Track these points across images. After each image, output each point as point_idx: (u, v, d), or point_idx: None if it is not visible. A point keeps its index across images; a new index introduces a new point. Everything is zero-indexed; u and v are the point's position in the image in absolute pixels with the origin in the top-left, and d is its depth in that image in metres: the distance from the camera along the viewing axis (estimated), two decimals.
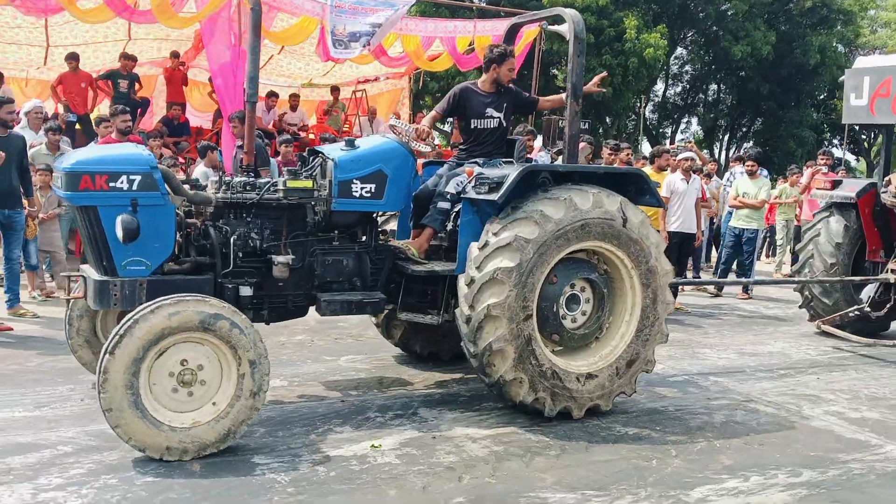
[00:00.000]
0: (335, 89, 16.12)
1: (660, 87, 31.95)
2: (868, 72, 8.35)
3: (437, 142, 6.76)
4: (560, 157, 6.60)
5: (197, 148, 10.60)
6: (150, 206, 4.65)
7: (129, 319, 4.27)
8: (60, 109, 12.39)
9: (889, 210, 8.33)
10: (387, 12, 12.15)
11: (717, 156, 32.15)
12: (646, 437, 5.14)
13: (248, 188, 5.10)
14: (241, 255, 5.06)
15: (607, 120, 28.93)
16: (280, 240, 5.21)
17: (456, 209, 5.62)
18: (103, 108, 12.82)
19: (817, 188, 9.06)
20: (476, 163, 5.83)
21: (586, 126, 15.13)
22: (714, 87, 33.10)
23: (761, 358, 7.52)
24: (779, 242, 13.53)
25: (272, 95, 14.05)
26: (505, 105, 5.99)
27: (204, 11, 10.65)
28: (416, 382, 6.17)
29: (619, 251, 5.39)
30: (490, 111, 5.95)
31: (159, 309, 4.28)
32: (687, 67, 31.55)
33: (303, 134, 14.02)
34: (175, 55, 13.56)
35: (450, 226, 5.75)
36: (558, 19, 5.93)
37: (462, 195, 5.46)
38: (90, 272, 4.86)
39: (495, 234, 5.09)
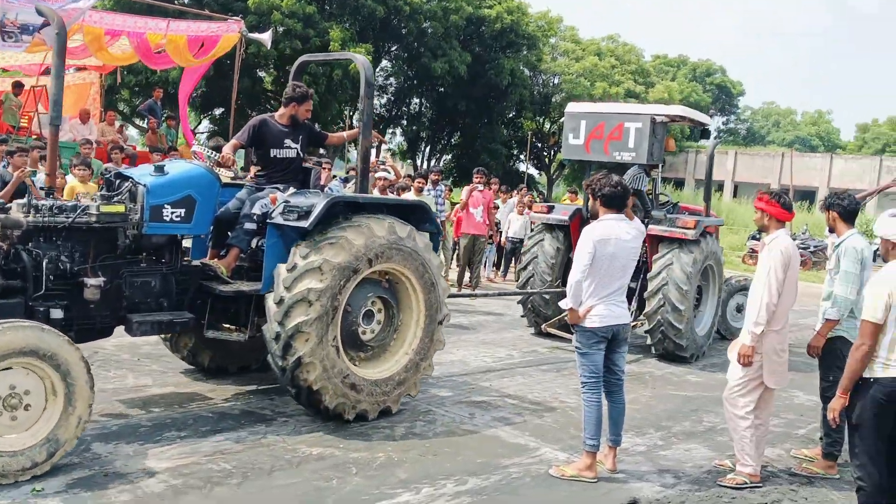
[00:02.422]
0: (18, 84, 14.59)
1: None
2: (584, 116, 9.63)
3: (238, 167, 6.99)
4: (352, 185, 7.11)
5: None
6: None
7: None
8: None
9: None
10: (67, 3, 11.21)
11: (419, 166, 33.78)
12: (329, 456, 5.30)
13: (57, 211, 5.10)
14: (52, 277, 5.07)
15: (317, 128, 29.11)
16: (89, 262, 5.28)
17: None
18: None
19: (535, 212, 10.29)
20: (277, 188, 6.18)
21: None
22: (416, 100, 34.72)
23: (444, 367, 8.06)
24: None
25: None
26: (301, 138, 6.47)
27: None
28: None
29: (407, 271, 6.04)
30: (288, 142, 6.39)
31: None
32: (391, 80, 32.75)
33: None
34: None
35: (253, 245, 6.11)
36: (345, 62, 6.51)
37: (268, 220, 5.78)
38: None
39: (304, 258, 5.48)
